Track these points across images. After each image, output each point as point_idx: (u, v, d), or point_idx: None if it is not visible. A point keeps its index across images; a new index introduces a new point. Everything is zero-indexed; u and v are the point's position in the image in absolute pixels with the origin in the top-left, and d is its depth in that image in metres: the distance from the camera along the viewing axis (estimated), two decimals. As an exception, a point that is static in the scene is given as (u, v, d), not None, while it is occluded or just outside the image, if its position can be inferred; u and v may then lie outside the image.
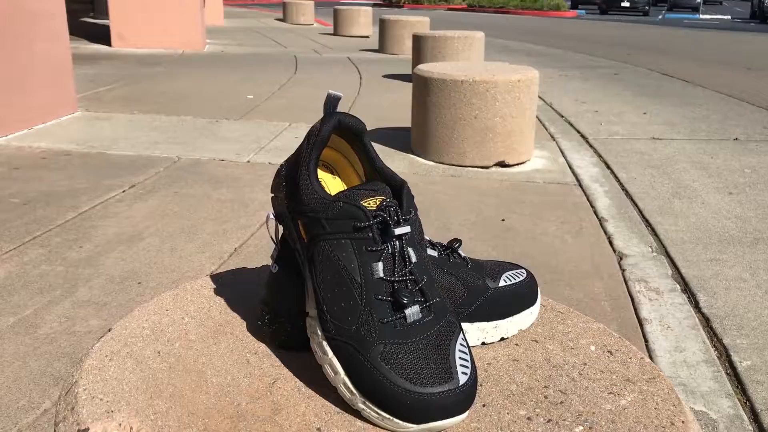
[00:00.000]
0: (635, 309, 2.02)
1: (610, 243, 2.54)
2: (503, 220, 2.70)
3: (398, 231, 0.64)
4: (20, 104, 3.80)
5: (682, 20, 23.85)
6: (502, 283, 0.81)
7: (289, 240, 0.73)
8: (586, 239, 2.56)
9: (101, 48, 8.18)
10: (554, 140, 4.14)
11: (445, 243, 0.91)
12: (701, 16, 26.86)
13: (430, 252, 0.79)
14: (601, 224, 2.73)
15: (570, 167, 3.54)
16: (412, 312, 0.64)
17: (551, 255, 2.37)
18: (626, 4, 28.65)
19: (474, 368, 0.65)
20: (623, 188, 3.25)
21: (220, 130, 4.04)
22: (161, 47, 8.22)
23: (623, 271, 2.30)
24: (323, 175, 0.76)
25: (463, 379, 0.63)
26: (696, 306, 2.08)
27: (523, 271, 0.84)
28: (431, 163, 3.46)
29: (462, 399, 0.62)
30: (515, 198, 2.99)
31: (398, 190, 0.68)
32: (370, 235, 0.64)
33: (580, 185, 3.24)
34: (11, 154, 3.38)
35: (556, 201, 2.97)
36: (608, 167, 3.60)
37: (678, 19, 25.13)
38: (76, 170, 3.14)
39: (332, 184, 0.76)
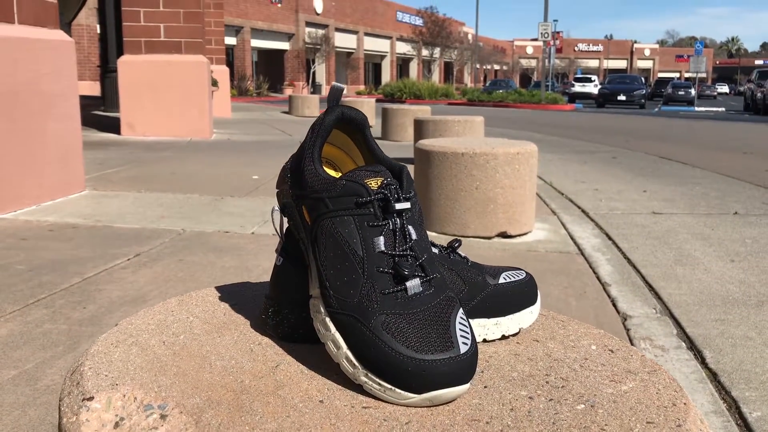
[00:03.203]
0: (641, 364, 1.99)
1: (614, 305, 2.54)
2: (506, 284, 2.71)
3: (399, 206, 0.66)
4: (30, 181, 3.88)
5: (678, 112, 24.45)
6: (501, 281, 0.82)
7: (294, 230, 0.75)
8: (590, 302, 2.56)
9: (111, 136, 8.39)
10: (555, 214, 4.18)
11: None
12: (696, 109, 27.53)
13: (431, 250, 0.81)
14: (604, 288, 2.73)
15: (572, 238, 3.57)
16: (413, 285, 0.66)
17: (555, 315, 2.36)
18: (623, 98, 29.46)
19: (474, 341, 0.66)
20: (625, 257, 3.26)
21: (225, 206, 4.10)
22: (169, 135, 8.43)
23: (628, 330, 2.29)
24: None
25: (464, 348, 0.63)
26: (702, 362, 2.06)
27: (522, 271, 0.86)
28: (433, 233, 3.50)
29: (463, 367, 0.63)
30: (518, 265, 3.00)
31: (398, 173, 0.71)
32: (372, 210, 0.66)
33: (583, 254, 3.26)
34: (19, 226, 3.43)
35: (559, 268, 2.99)
36: (610, 238, 3.63)
37: (674, 111, 25.77)
38: (82, 241, 3.18)
39: (335, 181, 0.79)
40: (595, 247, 3.41)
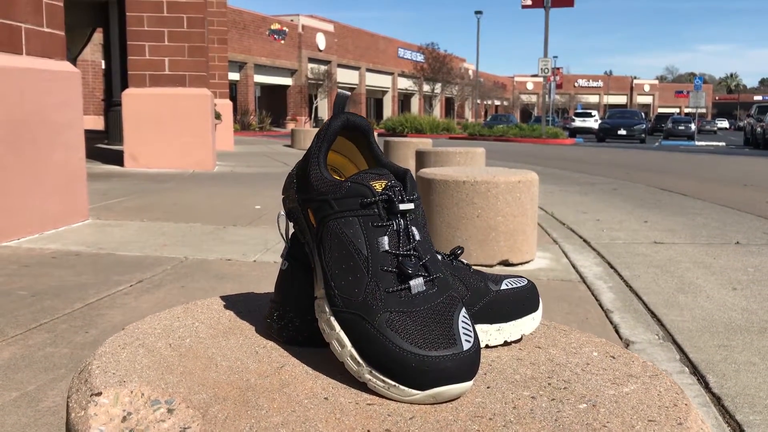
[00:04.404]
0: (644, 388, 1.99)
1: (616, 331, 2.54)
2: (508, 310, 2.71)
3: (402, 207, 0.68)
4: (34, 210, 3.91)
5: (678, 146, 24.58)
6: (504, 287, 0.83)
7: (299, 234, 0.76)
8: (593, 328, 2.55)
9: (114, 168, 8.45)
10: (557, 244, 4.19)
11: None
12: (697, 143, 27.68)
13: (434, 257, 0.82)
14: (606, 315, 2.73)
15: (573, 266, 3.57)
16: (417, 284, 0.67)
17: (557, 340, 2.36)
18: (623, 132, 29.63)
19: (477, 339, 0.67)
20: (627, 284, 3.26)
21: (228, 234, 4.12)
22: (172, 167, 8.48)
23: (630, 355, 2.28)
24: (331, 179, 0.80)
25: (466, 345, 0.64)
26: (706, 386, 2.05)
27: (524, 279, 0.87)
28: (435, 262, 3.50)
29: (466, 364, 0.63)
30: (520, 292, 3.00)
31: (402, 176, 0.72)
32: (376, 211, 0.68)
33: (584, 282, 3.26)
34: (22, 254, 3.44)
35: (561, 295, 2.99)
36: (611, 267, 3.63)
37: (674, 145, 25.91)
38: (84, 268, 3.19)
39: (340, 187, 0.80)
40: (597, 275, 3.42)
